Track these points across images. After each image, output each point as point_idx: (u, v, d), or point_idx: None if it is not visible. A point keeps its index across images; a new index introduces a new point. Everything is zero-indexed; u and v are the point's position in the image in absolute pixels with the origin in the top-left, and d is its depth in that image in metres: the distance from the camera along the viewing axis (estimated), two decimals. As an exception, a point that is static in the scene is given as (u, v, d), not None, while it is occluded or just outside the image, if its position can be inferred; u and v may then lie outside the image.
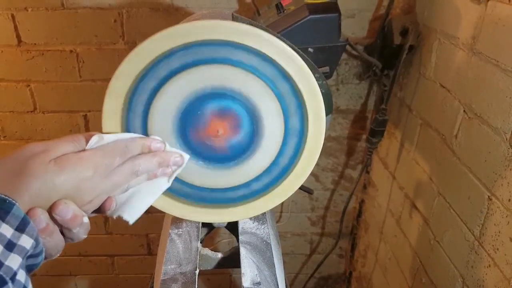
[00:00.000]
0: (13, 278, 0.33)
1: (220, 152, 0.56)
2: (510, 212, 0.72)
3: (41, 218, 0.38)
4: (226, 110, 0.54)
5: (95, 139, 0.45)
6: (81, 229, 0.42)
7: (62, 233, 0.41)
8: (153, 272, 0.71)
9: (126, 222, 0.49)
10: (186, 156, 0.54)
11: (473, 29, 0.82)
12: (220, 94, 0.53)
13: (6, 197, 0.35)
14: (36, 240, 0.36)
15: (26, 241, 0.35)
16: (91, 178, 0.42)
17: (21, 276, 0.35)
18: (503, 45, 0.74)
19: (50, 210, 0.39)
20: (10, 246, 0.34)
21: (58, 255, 0.42)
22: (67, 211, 0.40)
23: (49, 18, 1.12)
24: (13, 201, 0.35)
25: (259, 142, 0.56)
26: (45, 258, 0.40)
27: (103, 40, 1.15)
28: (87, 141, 0.45)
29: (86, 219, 0.42)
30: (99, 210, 0.47)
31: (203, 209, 0.59)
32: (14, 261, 0.34)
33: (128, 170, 0.46)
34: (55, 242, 0.40)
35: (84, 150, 0.44)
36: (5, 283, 0.33)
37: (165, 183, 0.53)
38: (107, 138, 0.47)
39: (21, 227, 0.35)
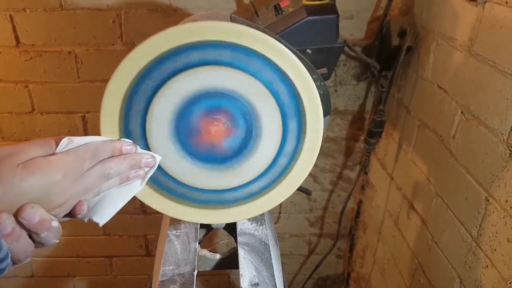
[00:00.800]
0: None
1: (217, 153, 0.56)
2: (508, 213, 0.73)
3: (6, 222, 0.37)
4: (222, 111, 0.54)
5: (64, 142, 0.45)
6: (50, 234, 0.41)
7: (31, 237, 0.40)
8: (152, 273, 0.71)
9: (105, 223, 0.49)
10: (158, 157, 0.53)
11: (471, 30, 0.82)
12: (217, 95, 0.53)
13: None
14: None
15: None
16: (60, 181, 0.42)
17: None
18: (500, 46, 0.74)
19: (16, 214, 0.38)
20: None
21: (28, 259, 0.41)
22: (34, 215, 0.39)
23: (48, 19, 1.12)
24: None
25: (257, 143, 0.56)
26: (14, 263, 0.39)
27: (101, 41, 1.15)
28: (57, 145, 0.44)
29: (55, 223, 0.41)
30: (71, 214, 0.46)
31: (201, 210, 0.59)
32: None
33: (99, 173, 0.46)
34: (23, 247, 0.39)
35: (53, 153, 0.43)
36: None
37: (137, 186, 0.52)
38: (77, 141, 0.46)
39: None
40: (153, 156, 0.53)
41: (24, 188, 0.39)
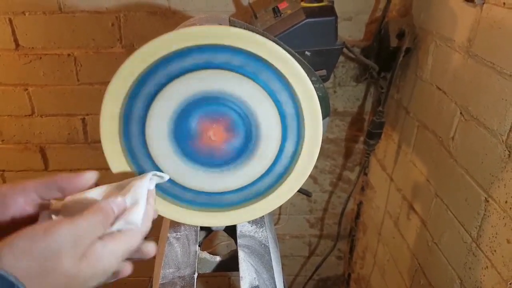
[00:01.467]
0: None
1: (217, 156, 0.56)
2: (507, 214, 0.73)
3: None
4: (222, 114, 0.54)
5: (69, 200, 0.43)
6: None
7: None
8: (152, 275, 0.71)
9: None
10: (166, 177, 0.53)
11: (469, 31, 0.83)
12: (217, 98, 0.53)
13: (17, 282, 0.32)
14: None
15: None
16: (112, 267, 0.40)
17: None
18: (498, 47, 0.74)
19: None
20: None
21: None
22: None
23: (47, 22, 1.12)
24: None
25: (256, 146, 0.56)
26: None
27: (100, 43, 1.15)
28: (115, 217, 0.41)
29: None
30: None
31: (201, 212, 0.59)
32: None
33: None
34: None
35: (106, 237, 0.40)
36: None
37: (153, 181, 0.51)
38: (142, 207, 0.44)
39: None
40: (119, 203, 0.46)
41: (86, 281, 0.37)
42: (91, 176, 0.45)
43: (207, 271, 0.69)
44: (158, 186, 0.57)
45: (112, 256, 0.39)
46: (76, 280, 0.36)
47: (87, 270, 0.36)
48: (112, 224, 0.41)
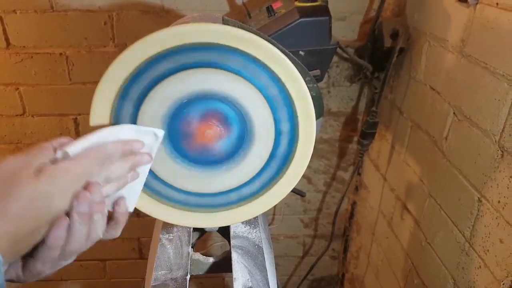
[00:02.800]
0: None
1: (210, 156, 0.56)
2: (500, 214, 0.73)
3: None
4: (215, 113, 0.53)
5: (76, 144, 0.43)
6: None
7: None
8: (145, 276, 0.71)
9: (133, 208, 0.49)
10: (155, 148, 0.51)
11: (462, 32, 0.83)
12: (209, 97, 0.52)
13: None
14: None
15: None
16: (69, 188, 0.41)
17: None
18: (491, 47, 0.74)
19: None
20: None
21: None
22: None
23: (38, 21, 1.11)
24: None
25: (249, 146, 0.56)
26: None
27: (93, 42, 1.14)
28: (54, 149, 0.43)
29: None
30: None
31: (193, 213, 0.59)
32: None
33: (102, 178, 0.45)
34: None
35: (65, 159, 0.42)
36: None
37: (147, 164, 0.51)
38: (90, 139, 0.45)
39: None
40: (149, 154, 0.50)
41: (51, 200, 0.38)
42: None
43: (200, 273, 0.69)
44: (149, 187, 0.56)
45: (67, 174, 0.40)
46: (37, 198, 0.37)
47: (45, 185, 0.38)
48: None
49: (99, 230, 0.43)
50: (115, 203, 0.47)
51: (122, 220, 0.46)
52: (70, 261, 0.44)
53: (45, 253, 0.40)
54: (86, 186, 0.41)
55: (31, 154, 0.41)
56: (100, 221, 0.43)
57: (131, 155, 0.48)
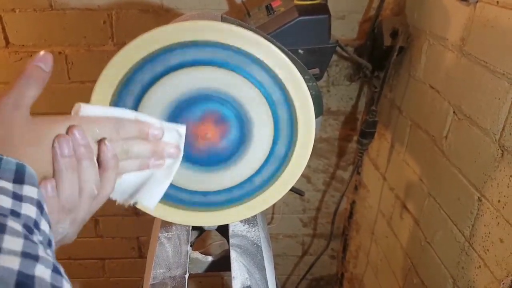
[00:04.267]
0: (36, 226, 0.32)
1: (209, 155, 0.55)
2: (500, 213, 0.73)
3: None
4: (214, 114, 0.53)
5: (86, 108, 0.42)
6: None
7: None
8: (143, 275, 0.71)
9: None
10: (182, 145, 0.50)
11: (462, 30, 0.82)
12: (209, 96, 0.52)
13: None
14: (39, 188, 0.35)
15: (30, 191, 0.33)
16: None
17: (45, 227, 0.33)
18: (491, 46, 0.74)
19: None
20: (17, 197, 0.32)
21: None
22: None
23: (37, 19, 1.11)
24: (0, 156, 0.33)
25: (248, 145, 0.55)
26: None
27: (92, 41, 1.14)
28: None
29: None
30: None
31: (192, 212, 0.59)
32: (29, 210, 0.32)
33: (119, 145, 0.43)
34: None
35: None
36: (32, 231, 0.31)
37: (176, 165, 0.50)
38: (97, 110, 0.43)
39: (19, 178, 0.33)
40: (176, 147, 0.49)
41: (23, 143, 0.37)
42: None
43: (198, 272, 0.69)
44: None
45: (47, 121, 0.39)
46: (12, 133, 0.36)
47: (27, 127, 0.37)
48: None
49: (92, 182, 0.41)
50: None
51: (110, 165, 0.42)
52: (72, 230, 0.42)
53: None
54: (68, 129, 0.39)
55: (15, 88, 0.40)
56: (89, 169, 0.40)
57: (154, 140, 0.47)
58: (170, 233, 0.66)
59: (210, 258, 0.69)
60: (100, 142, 0.41)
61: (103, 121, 0.42)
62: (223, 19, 0.64)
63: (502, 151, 0.72)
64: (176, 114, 0.52)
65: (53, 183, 0.38)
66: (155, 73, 0.50)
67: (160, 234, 0.66)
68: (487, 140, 0.76)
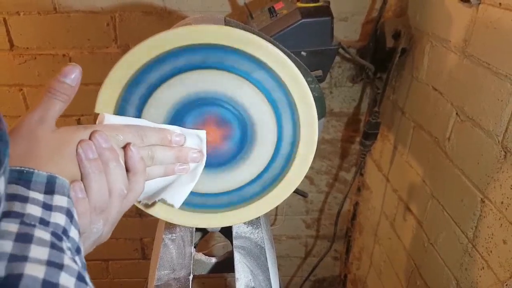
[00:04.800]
0: (65, 233, 0.34)
1: (212, 157, 0.56)
2: (503, 215, 0.73)
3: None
4: (217, 117, 0.53)
5: (107, 117, 0.45)
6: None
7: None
8: (148, 276, 0.71)
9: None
10: (204, 149, 0.52)
11: (465, 32, 0.83)
12: (212, 99, 0.53)
13: (23, 168, 0.35)
14: (69, 198, 0.37)
15: (60, 200, 0.35)
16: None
17: (74, 234, 0.35)
18: (494, 48, 0.74)
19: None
20: (47, 206, 0.34)
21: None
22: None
23: (42, 22, 1.11)
24: (31, 170, 0.35)
25: (251, 147, 0.56)
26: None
27: (95, 44, 1.15)
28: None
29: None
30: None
31: (196, 214, 0.59)
32: (58, 218, 0.34)
33: (144, 152, 0.45)
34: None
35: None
36: (60, 238, 0.33)
37: (200, 168, 0.52)
38: (123, 120, 0.46)
39: (49, 189, 0.35)
40: (199, 152, 0.52)
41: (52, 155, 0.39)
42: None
43: (202, 273, 0.69)
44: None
45: (71, 130, 0.41)
46: (38, 145, 0.38)
47: (51, 137, 0.39)
48: None
49: (120, 182, 0.42)
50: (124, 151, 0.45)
51: (138, 168, 0.44)
52: (105, 229, 0.44)
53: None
54: (91, 134, 0.41)
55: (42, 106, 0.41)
56: (117, 170, 0.42)
57: (177, 146, 0.50)
58: (174, 235, 0.67)
59: (213, 260, 0.69)
60: (125, 147, 0.43)
61: (126, 128, 0.45)
62: (226, 22, 0.64)
63: (505, 152, 0.72)
64: (178, 116, 0.53)
65: (81, 185, 0.39)
66: (162, 75, 0.51)
67: (164, 236, 0.66)
68: (490, 141, 0.76)
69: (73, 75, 0.43)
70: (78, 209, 0.39)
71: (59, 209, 0.35)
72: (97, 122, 0.45)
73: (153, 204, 0.56)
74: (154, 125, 0.49)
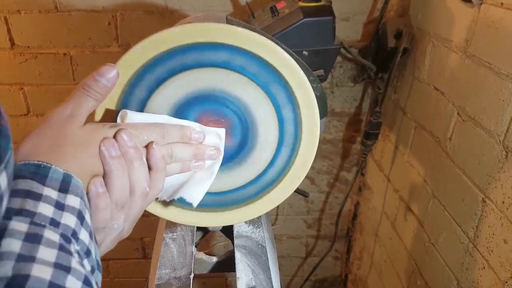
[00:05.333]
0: (74, 235, 0.33)
1: (214, 156, 0.55)
2: (504, 214, 0.73)
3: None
4: (219, 115, 0.53)
5: (129, 114, 0.45)
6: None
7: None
8: (148, 276, 0.71)
9: (198, 203, 0.51)
10: (222, 147, 0.53)
11: (466, 32, 0.82)
12: (214, 98, 0.52)
13: (40, 162, 0.35)
14: (82, 199, 0.36)
15: (73, 200, 0.35)
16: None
17: (84, 236, 0.35)
18: (496, 47, 0.74)
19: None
20: (60, 206, 0.34)
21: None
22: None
23: (43, 21, 1.11)
24: (48, 165, 0.35)
25: (253, 147, 0.56)
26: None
27: (97, 43, 1.15)
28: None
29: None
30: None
31: (197, 213, 0.59)
32: (69, 219, 0.34)
33: (164, 150, 0.46)
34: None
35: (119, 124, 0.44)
36: (69, 240, 0.32)
37: (217, 165, 0.53)
38: (145, 117, 0.47)
39: (64, 188, 0.35)
40: (216, 149, 0.52)
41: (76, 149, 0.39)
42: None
43: (203, 272, 0.69)
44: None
45: (96, 127, 0.41)
46: (64, 139, 0.38)
47: (78, 134, 0.39)
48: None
49: (143, 180, 0.43)
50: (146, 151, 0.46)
51: (160, 166, 0.45)
52: (126, 226, 0.45)
53: (98, 215, 0.40)
54: (116, 132, 0.42)
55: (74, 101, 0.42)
56: (140, 168, 0.43)
57: (196, 143, 0.50)
58: (175, 234, 0.67)
59: (214, 259, 0.69)
60: (148, 146, 0.44)
61: (149, 127, 0.45)
62: (228, 21, 0.64)
63: (506, 152, 0.72)
64: (180, 114, 0.53)
65: (101, 180, 0.40)
66: (164, 73, 0.50)
67: (165, 235, 0.66)
68: (491, 141, 0.75)
69: (110, 75, 0.43)
70: (99, 204, 0.39)
71: (71, 209, 0.35)
72: (119, 119, 0.46)
73: (171, 202, 0.56)
74: (175, 121, 0.50)
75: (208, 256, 0.68)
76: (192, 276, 0.59)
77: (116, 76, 0.44)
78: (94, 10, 1.11)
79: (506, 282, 0.72)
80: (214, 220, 0.60)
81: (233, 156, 0.56)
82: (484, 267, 0.79)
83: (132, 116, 0.46)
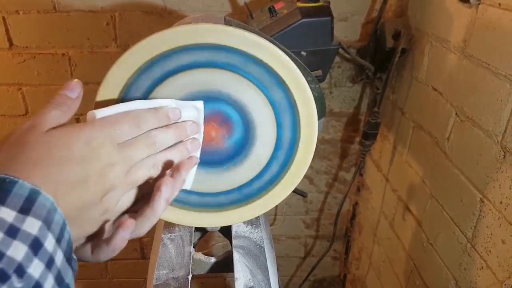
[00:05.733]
0: (18, 271, 0.28)
1: (212, 156, 0.56)
2: (502, 214, 0.73)
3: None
4: (218, 115, 0.53)
5: (97, 113, 0.42)
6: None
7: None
8: (147, 276, 0.71)
9: (191, 186, 0.51)
10: (201, 120, 0.51)
11: (464, 32, 0.83)
12: (212, 98, 0.52)
13: (6, 176, 0.31)
14: (46, 222, 0.31)
15: (31, 225, 0.30)
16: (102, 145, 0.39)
17: (35, 270, 0.29)
18: (494, 48, 0.74)
19: None
20: (12, 232, 0.29)
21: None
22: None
23: (41, 21, 1.11)
24: (15, 179, 0.31)
25: (251, 147, 0.56)
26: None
27: (95, 43, 1.15)
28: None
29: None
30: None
31: (195, 213, 0.59)
32: (17, 251, 0.29)
33: (143, 141, 0.43)
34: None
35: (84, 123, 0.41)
36: (7, 277, 0.28)
37: (199, 137, 0.52)
38: (116, 109, 0.44)
39: (26, 207, 0.30)
40: (196, 123, 0.50)
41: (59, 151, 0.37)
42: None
43: (201, 272, 0.69)
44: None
45: (92, 129, 0.40)
46: (46, 145, 0.36)
47: (41, 142, 0.36)
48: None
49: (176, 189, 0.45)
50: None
51: (157, 197, 0.44)
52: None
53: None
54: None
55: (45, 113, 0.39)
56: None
57: (174, 124, 0.47)
58: (173, 234, 0.67)
59: (213, 259, 0.69)
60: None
61: (121, 119, 0.42)
62: (226, 22, 0.64)
63: (504, 152, 0.72)
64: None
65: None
66: (162, 74, 0.50)
67: (163, 235, 0.66)
68: (489, 141, 0.76)
69: (75, 88, 0.42)
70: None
71: (25, 237, 0.29)
72: (87, 120, 0.43)
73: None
74: (148, 103, 0.46)
75: (206, 256, 0.68)
76: (190, 276, 0.59)
77: (79, 88, 0.42)
78: (92, 11, 1.10)
79: (504, 282, 0.72)
80: (213, 220, 0.60)
81: (233, 156, 0.56)
82: (482, 267, 0.79)
83: (100, 113, 0.43)
